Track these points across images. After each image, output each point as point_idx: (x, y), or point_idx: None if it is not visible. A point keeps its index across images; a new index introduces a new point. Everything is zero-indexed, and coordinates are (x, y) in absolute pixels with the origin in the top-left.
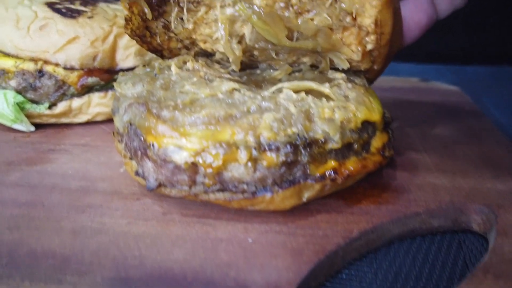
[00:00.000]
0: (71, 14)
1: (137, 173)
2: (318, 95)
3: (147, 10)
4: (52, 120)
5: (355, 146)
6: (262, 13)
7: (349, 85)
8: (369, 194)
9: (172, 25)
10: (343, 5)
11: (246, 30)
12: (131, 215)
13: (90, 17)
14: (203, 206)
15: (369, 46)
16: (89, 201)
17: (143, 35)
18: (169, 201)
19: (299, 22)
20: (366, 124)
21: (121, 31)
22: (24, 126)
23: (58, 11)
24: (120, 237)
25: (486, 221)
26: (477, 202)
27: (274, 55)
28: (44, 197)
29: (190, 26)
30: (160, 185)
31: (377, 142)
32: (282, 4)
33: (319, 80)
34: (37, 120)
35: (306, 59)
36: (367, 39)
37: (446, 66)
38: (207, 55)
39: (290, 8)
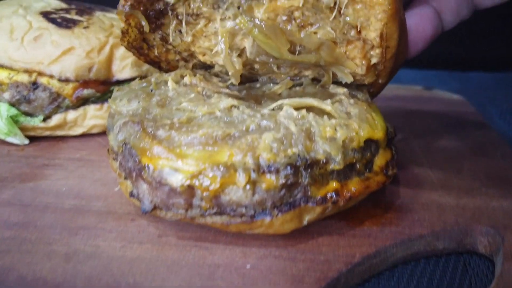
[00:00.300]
0: (66, 24)
1: (131, 194)
2: (320, 112)
3: (144, 22)
4: (47, 133)
5: (358, 166)
6: (263, 26)
7: (351, 100)
8: (371, 214)
9: (171, 38)
10: (347, 18)
11: (247, 44)
12: (125, 238)
13: (85, 27)
14: (200, 228)
15: (374, 60)
16: (82, 222)
17: (140, 47)
18: (165, 222)
19: (301, 36)
20: (369, 142)
21: (118, 41)
22: (18, 139)
23: (53, 21)
24: (114, 262)
25: (492, 243)
26: (483, 222)
27: (275, 69)
28: (36, 217)
29: (189, 39)
30: (155, 207)
31: (380, 160)
32: (284, 17)
33: (320, 95)
34: (32, 133)
35: (308, 73)
36: (372, 52)
37: (449, 72)
38: (206, 67)
39: (293, 22)
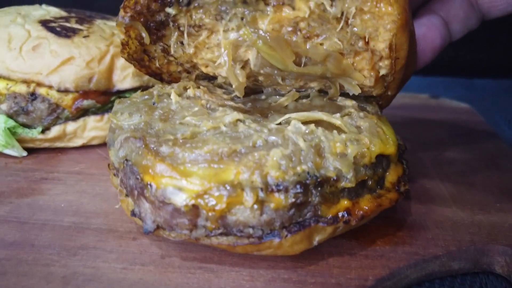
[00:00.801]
0: (65, 33)
1: (133, 213)
2: (329, 126)
3: (144, 34)
4: (46, 145)
5: (369, 182)
6: (268, 38)
7: (361, 114)
8: (383, 232)
9: (172, 50)
10: (355, 29)
11: (251, 56)
12: (127, 259)
13: (86, 36)
14: (205, 249)
15: (383, 71)
16: (81, 241)
17: (141, 59)
18: (169, 242)
19: (307, 47)
20: (381, 158)
21: (118, 50)
22: (16, 151)
23: (52, 30)
24: (115, 286)
25: (510, 263)
26: (500, 241)
27: (280, 81)
28: (34, 235)
29: (191, 51)
30: (158, 227)
31: (392, 176)
32: (289, 29)
33: (328, 108)
34: (30, 145)
35: (314, 84)
36: (380, 64)
37: (454, 79)
38: (209, 78)
39: (298, 33)
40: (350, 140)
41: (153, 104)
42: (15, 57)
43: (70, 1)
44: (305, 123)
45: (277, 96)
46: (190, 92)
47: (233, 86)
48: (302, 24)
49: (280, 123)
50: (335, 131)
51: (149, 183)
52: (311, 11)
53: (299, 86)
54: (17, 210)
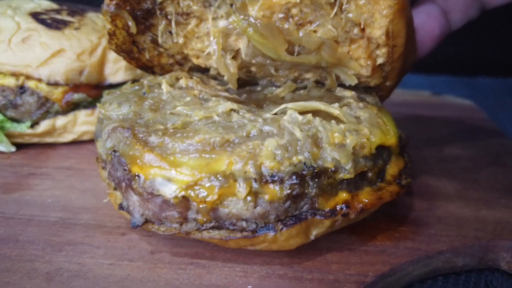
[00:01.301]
0: (56, 25)
1: (121, 207)
2: (327, 116)
3: (131, 23)
4: (35, 140)
5: (369, 174)
6: (259, 25)
7: (361, 104)
8: (384, 228)
9: (160, 40)
10: (350, 15)
11: (242, 44)
12: (114, 254)
13: (77, 29)
14: (196, 243)
15: (380, 60)
16: (68, 237)
17: (130, 50)
18: (159, 237)
19: (300, 35)
20: (381, 149)
21: None
22: (4, 146)
23: (43, 22)
24: (101, 282)
25: None
26: (505, 237)
27: (273, 71)
28: (19, 231)
29: (181, 41)
30: (146, 221)
31: (393, 168)
32: (281, 15)
33: (326, 99)
34: (19, 140)
35: (309, 75)
36: (377, 52)
37: (457, 78)
38: (203, 70)
39: (290, 20)
40: (349, 130)
41: (144, 94)
42: (4, 49)
43: None
44: (302, 113)
45: (273, 88)
46: (182, 82)
47: (225, 77)
48: (294, 11)
49: (276, 113)
50: (333, 121)
51: (137, 174)
52: None
53: (293, 77)
54: (3, 206)
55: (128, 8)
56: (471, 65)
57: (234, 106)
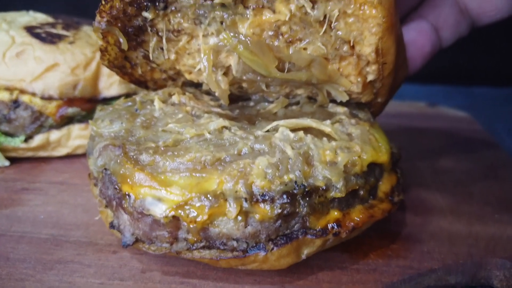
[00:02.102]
0: (51, 39)
1: (112, 225)
2: (318, 133)
3: (122, 40)
4: (29, 154)
5: (361, 192)
6: (249, 42)
7: (353, 121)
8: (376, 245)
9: (151, 56)
10: (339, 32)
11: (232, 61)
12: (105, 273)
13: (71, 43)
14: (187, 262)
15: (370, 77)
16: (59, 255)
17: (122, 66)
18: (150, 255)
19: (290, 52)
20: (373, 166)
21: None
22: None
23: (37, 36)
24: None
25: (508, 277)
26: (498, 254)
27: (264, 88)
28: (9, 248)
29: (172, 57)
30: (137, 240)
31: (385, 185)
32: (271, 33)
33: (319, 115)
34: (13, 154)
35: (300, 91)
36: (367, 69)
37: (453, 87)
38: (196, 85)
39: (280, 37)
40: (340, 148)
41: (136, 111)
42: None
43: (62, 8)
44: (294, 130)
45: (266, 103)
46: (175, 98)
47: (216, 94)
48: (283, 28)
49: (268, 131)
50: (325, 139)
51: (127, 193)
52: (292, 14)
53: (285, 93)
54: None
55: (119, 25)
56: (467, 75)
57: (226, 123)
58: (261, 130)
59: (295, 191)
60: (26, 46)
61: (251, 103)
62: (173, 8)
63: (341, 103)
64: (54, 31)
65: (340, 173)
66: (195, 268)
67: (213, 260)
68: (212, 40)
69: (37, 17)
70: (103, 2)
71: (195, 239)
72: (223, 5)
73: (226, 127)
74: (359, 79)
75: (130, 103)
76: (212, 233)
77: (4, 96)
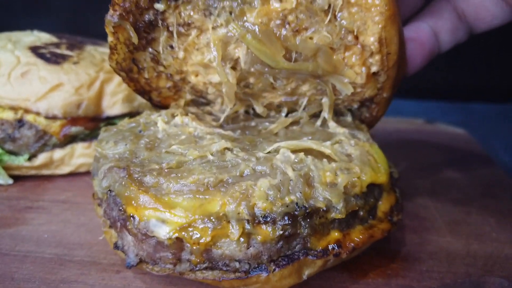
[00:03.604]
0: (55, 59)
1: (116, 246)
2: (319, 154)
3: (132, 34)
4: (32, 172)
5: (361, 213)
6: (257, 31)
7: (352, 141)
8: (376, 264)
9: (161, 53)
10: (343, 22)
11: (241, 53)
12: None
13: (75, 63)
14: (190, 282)
15: (374, 68)
16: (63, 274)
17: (129, 69)
18: (153, 275)
19: (297, 41)
20: (372, 187)
21: (108, 76)
22: (2, 179)
23: (42, 56)
24: None
25: None
26: (496, 273)
27: (271, 80)
28: (14, 268)
29: (181, 54)
30: (141, 261)
31: (384, 205)
32: (278, 22)
33: (319, 135)
34: (16, 172)
35: (306, 87)
36: (371, 60)
37: (450, 104)
38: (198, 104)
39: (287, 26)
40: (340, 169)
41: (140, 132)
42: (3, 83)
43: (64, 26)
44: (294, 151)
45: (267, 123)
46: (177, 119)
47: (223, 91)
48: (290, 17)
49: (269, 152)
50: (325, 160)
51: (132, 215)
52: (298, 2)
53: (291, 89)
54: None
55: (131, 19)
56: (464, 91)
57: (228, 144)
58: (262, 151)
59: (296, 213)
60: (31, 66)
61: (253, 123)
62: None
63: (341, 124)
64: (58, 51)
65: (340, 194)
66: None
67: (215, 281)
68: (221, 31)
69: (41, 37)
70: (112, 9)
71: (198, 260)
72: None
73: (228, 149)
74: (363, 69)
75: (133, 124)
76: (215, 255)
77: (9, 115)
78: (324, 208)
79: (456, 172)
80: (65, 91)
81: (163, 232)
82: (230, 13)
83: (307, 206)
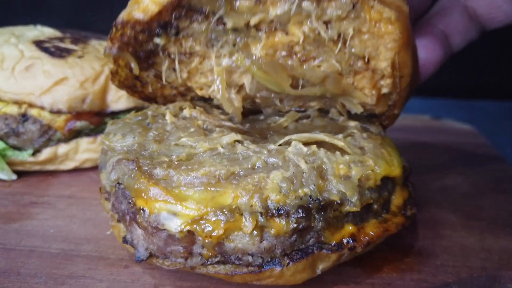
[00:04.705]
0: (60, 53)
1: (125, 240)
2: (331, 147)
3: (134, 65)
4: (36, 168)
5: (375, 206)
6: (262, 63)
7: (364, 134)
8: (390, 259)
9: (164, 77)
10: (353, 49)
11: (246, 80)
12: None
13: (80, 57)
14: (201, 277)
15: (385, 90)
16: (70, 269)
17: (133, 85)
18: (162, 270)
19: (304, 70)
20: (386, 180)
21: None
22: (6, 174)
23: (46, 50)
24: None
25: None
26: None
27: (278, 103)
28: (20, 263)
29: (184, 75)
30: (151, 255)
31: (398, 199)
32: (284, 53)
33: (330, 128)
34: (20, 168)
35: (314, 104)
36: (382, 82)
37: (455, 101)
38: (206, 99)
39: (294, 56)
40: (354, 162)
41: (147, 125)
42: (7, 77)
43: (65, 26)
44: (306, 144)
45: (277, 117)
46: (186, 112)
47: (229, 112)
48: (297, 48)
49: (280, 145)
50: (337, 153)
51: (142, 208)
52: (306, 35)
53: (298, 106)
54: (4, 236)
55: (130, 49)
56: (469, 88)
57: (239, 137)
58: (273, 144)
59: (310, 205)
60: (35, 60)
61: (262, 117)
62: (184, 34)
63: (352, 116)
64: (62, 45)
65: (354, 187)
66: (208, 283)
67: (228, 275)
68: (225, 61)
69: (45, 32)
70: (114, 30)
71: (210, 254)
72: (235, 30)
73: (239, 141)
74: (373, 92)
75: (141, 117)
76: (227, 248)
77: (13, 109)
78: (338, 201)
79: (465, 167)
80: (69, 85)
81: (174, 225)
82: (234, 45)
83: (321, 199)
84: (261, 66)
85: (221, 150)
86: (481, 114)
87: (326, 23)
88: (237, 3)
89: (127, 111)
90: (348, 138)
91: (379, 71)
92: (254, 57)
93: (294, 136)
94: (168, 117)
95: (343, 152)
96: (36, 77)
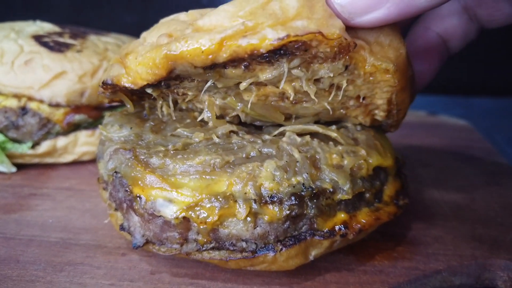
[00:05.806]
0: (59, 48)
1: (122, 227)
2: (325, 138)
3: (129, 105)
4: (36, 160)
5: (367, 195)
6: (254, 106)
7: (358, 127)
8: (382, 247)
9: (160, 113)
10: (347, 93)
11: (239, 113)
12: (115, 275)
13: (79, 51)
14: (196, 264)
15: (378, 117)
16: (69, 257)
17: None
18: (159, 257)
19: (297, 108)
20: (378, 170)
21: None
22: (5, 167)
23: (45, 44)
24: None
25: None
26: (502, 256)
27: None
28: (19, 251)
29: (181, 103)
30: (147, 242)
31: (390, 189)
32: (275, 98)
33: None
34: (19, 161)
35: (310, 119)
36: (376, 111)
37: (452, 98)
38: None
39: (286, 100)
40: (346, 152)
41: (144, 116)
42: (7, 71)
43: (66, 22)
44: (300, 135)
45: None
46: (182, 104)
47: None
48: (289, 94)
49: (275, 135)
50: (331, 143)
51: (138, 195)
52: (296, 89)
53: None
54: (4, 226)
55: (123, 92)
56: (465, 85)
57: (234, 127)
58: (268, 134)
59: (303, 193)
60: (34, 54)
61: None
62: (176, 87)
63: None
64: (61, 40)
65: (346, 176)
66: (204, 269)
67: (222, 261)
68: (218, 101)
69: (44, 27)
70: (104, 87)
71: (205, 240)
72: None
73: (234, 132)
74: (367, 119)
75: (138, 109)
76: (222, 234)
77: (12, 103)
78: (331, 189)
79: (459, 161)
80: (68, 79)
81: (170, 212)
82: (226, 92)
83: (313, 187)
84: (253, 108)
85: (216, 140)
86: (477, 111)
87: (317, 80)
88: (226, 72)
89: (125, 105)
90: (342, 129)
91: (373, 105)
92: (246, 101)
93: (288, 127)
94: (165, 108)
95: (336, 142)
96: (36, 71)
